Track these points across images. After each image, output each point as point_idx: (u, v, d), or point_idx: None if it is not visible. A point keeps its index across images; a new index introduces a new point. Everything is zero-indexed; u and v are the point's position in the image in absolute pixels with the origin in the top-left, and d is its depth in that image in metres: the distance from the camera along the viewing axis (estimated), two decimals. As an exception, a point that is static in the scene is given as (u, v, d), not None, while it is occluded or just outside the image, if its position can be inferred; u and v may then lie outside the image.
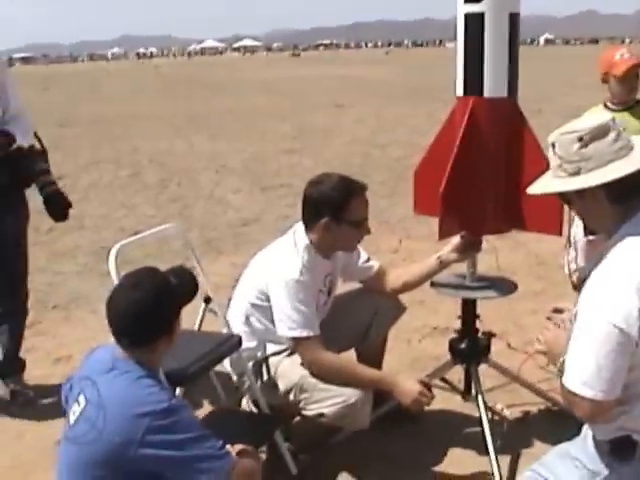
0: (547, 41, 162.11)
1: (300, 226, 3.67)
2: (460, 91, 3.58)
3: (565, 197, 2.81)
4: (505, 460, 3.65)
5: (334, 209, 3.53)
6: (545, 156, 3.54)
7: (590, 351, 2.54)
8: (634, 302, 2.49)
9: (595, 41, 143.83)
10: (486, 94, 3.49)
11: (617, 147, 2.69)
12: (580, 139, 2.69)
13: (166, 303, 2.56)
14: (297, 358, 3.54)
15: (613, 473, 2.75)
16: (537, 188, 2.84)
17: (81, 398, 2.56)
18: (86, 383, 2.58)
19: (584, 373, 2.53)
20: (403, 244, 7.47)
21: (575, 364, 2.58)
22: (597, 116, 2.84)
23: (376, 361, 4.01)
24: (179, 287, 2.67)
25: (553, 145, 2.75)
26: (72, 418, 2.58)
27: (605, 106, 4.83)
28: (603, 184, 2.64)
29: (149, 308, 2.53)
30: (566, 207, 3.10)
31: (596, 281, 2.62)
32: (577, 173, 2.69)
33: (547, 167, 3.20)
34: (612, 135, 2.69)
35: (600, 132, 2.69)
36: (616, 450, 2.73)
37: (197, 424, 2.61)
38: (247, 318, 3.65)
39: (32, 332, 5.64)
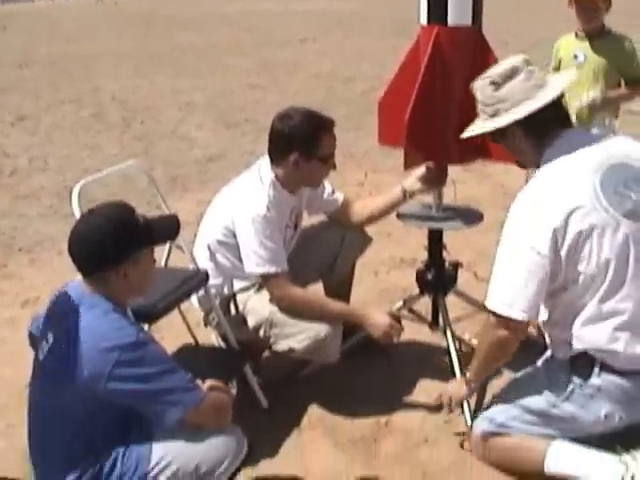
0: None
1: (265, 161, 3.64)
2: (424, 20, 3.53)
3: (493, 137, 3.09)
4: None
5: (304, 145, 3.50)
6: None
7: (509, 273, 2.80)
8: (548, 223, 2.72)
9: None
10: (450, 22, 3.44)
11: (529, 86, 2.92)
12: (493, 82, 2.96)
13: (114, 233, 2.51)
14: (266, 294, 3.54)
15: (575, 390, 2.86)
16: (466, 132, 3.10)
17: (49, 335, 2.55)
18: (54, 320, 2.57)
19: (505, 294, 2.79)
20: (369, 177, 7.46)
21: (496, 286, 2.83)
22: (509, 59, 3.02)
23: (344, 293, 4.03)
24: (150, 226, 2.64)
25: (474, 92, 3.04)
26: (41, 355, 2.58)
27: (575, 34, 4.85)
28: (518, 122, 2.91)
29: (94, 233, 2.51)
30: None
31: (515, 205, 2.88)
32: (496, 114, 2.97)
33: None
34: (522, 75, 2.93)
35: (510, 73, 2.94)
36: (576, 368, 2.88)
37: (166, 357, 2.61)
38: (213, 255, 3.63)
39: (-2, 276, 5.62)
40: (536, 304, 2.80)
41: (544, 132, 2.93)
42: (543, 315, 3.04)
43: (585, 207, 2.75)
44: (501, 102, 2.96)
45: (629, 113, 9.06)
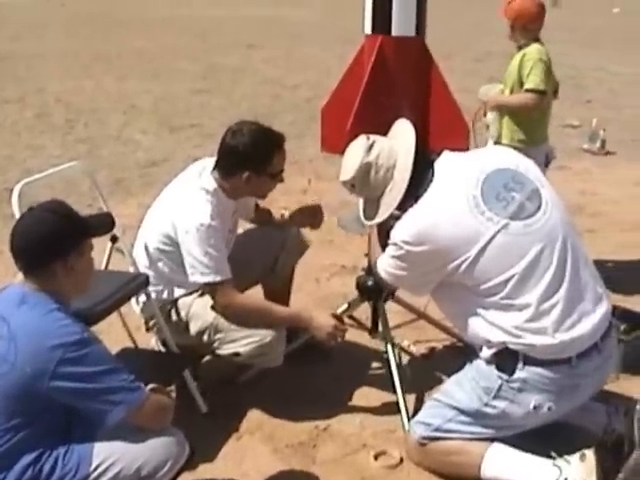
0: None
1: (207, 166, 3.63)
2: (368, 29, 3.58)
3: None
4: (411, 395, 3.74)
5: (257, 164, 3.51)
6: (451, 96, 3.62)
7: None
8: (439, 257, 3.00)
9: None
10: (394, 32, 3.49)
11: (385, 175, 3.16)
12: (353, 186, 3.26)
13: (61, 225, 2.54)
14: (209, 298, 3.54)
15: (503, 386, 2.96)
16: (377, 219, 3.29)
17: None
18: None
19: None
20: (312, 184, 7.48)
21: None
22: (352, 156, 3.25)
23: (284, 296, 4.07)
24: (89, 220, 2.68)
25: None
26: None
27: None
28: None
29: (40, 226, 2.53)
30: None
31: (402, 238, 3.08)
32: (382, 195, 3.21)
33: (452, 105, 3.41)
34: (373, 170, 3.16)
35: (364, 174, 3.18)
36: (500, 364, 3.01)
37: (109, 357, 2.60)
38: (153, 262, 3.63)
39: None
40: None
41: (420, 182, 3.11)
42: (460, 322, 3.16)
43: (470, 226, 2.94)
44: (376, 189, 3.20)
45: (570, 127, 9.29)
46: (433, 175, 3.09)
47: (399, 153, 3.14)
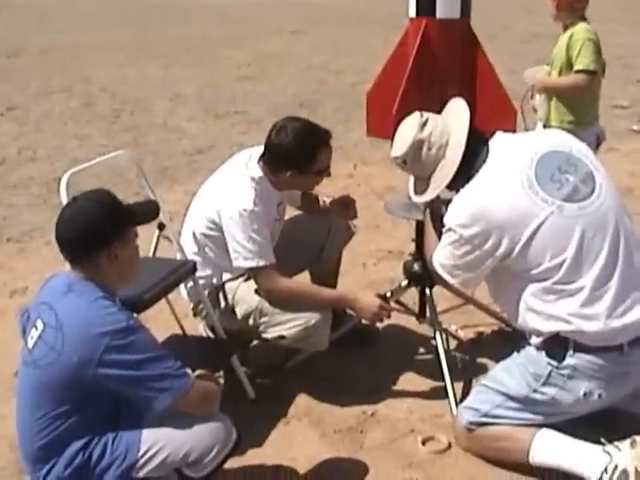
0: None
1: (254, 155, 3.63)
2: (413, 12, 3.54)
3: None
4: (459, 381, 3.72)
5: (300, 163, 3.50)
6: (497, 78, 3.58)
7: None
8: (492, 234, 2.95)
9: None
10: (439, 15, 3.46)
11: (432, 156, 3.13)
12: (404, 162, 3.19)
13: (105, 214, 2.56)
14: (254, 283, 3.55)
15: (553, 373, 2.92)
16: (425, 196, 3.27)
17: (39, 323, 2.56)
18: (43, 308, 2.58)
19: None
20: (358, 169, 7.47)
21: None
22: (405, 131, 3.21)
23: (331, 282, 4.07)
24: (132, 207, 2.70)
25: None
26: (30, 343, 2.58)
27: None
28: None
29: (82, 216, 2.55)
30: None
31: (455, 220, 3.06)
32: (433, 171, 3.17)
33: (498, 87, 3.38)
34: (425, 147, 3.12)
35: (416, 150, 3.14)
36: (550, 351, 2.98)
37: (156, 344, 2.63)
38: (200, 248, 3.64)
39: (-14, 265, 5.60)
40: None
41: (472, 161, 3.08)
42: (510, 309, 3.12)
43: (524, 206, 2.90)
44: (428, 167, 3.16)
45: (619, 107, 9.15)
46: (487, 155, 3.05)
47: (452, 131, 3.11)
